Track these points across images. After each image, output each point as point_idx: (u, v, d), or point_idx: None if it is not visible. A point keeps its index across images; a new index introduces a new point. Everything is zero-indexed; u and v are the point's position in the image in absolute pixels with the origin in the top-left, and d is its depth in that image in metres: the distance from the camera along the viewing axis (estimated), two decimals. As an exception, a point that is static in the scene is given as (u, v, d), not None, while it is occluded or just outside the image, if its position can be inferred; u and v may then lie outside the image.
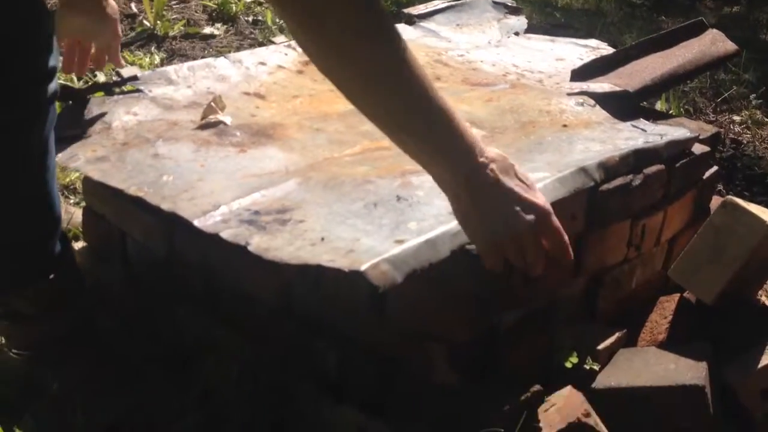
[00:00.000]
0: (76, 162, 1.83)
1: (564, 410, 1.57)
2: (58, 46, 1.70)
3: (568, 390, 1.64)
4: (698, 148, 2.14)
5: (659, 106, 3.77)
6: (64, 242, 1.83)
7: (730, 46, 2.41)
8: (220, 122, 2.02)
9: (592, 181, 1.78)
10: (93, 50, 1.99)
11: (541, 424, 1.59)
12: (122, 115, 2.03)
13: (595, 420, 1.59)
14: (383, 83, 1.22)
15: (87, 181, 2.18)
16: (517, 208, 1.28)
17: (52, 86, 1.63)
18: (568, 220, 1.78)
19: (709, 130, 2.28)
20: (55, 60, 1.62)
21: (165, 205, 1.67)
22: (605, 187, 1.84)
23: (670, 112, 3.73)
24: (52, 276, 1.77)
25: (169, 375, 1.88)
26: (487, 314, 1.61)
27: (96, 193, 2.15)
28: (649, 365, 1.75)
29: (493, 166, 1.27)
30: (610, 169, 1.83)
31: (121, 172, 1.80)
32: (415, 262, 1.43)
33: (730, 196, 1.88)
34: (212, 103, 2.06)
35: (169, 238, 2.00)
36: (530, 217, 1.30)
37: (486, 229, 1.30)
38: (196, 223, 1.60)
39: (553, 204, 1.64)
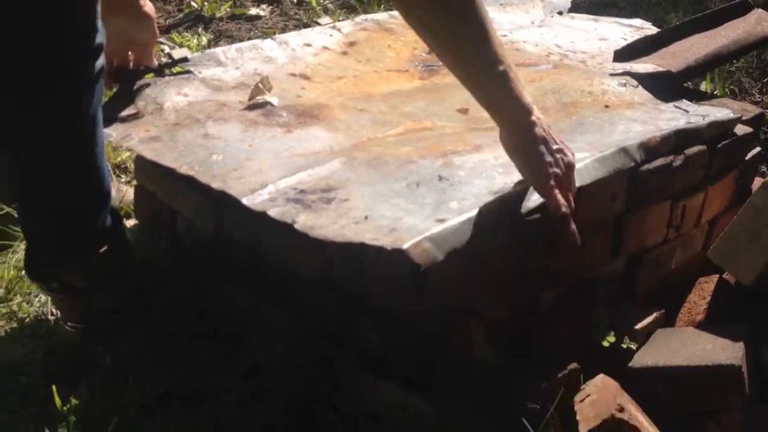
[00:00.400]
0: (130, 141, 1.90)
1: (598, 404, 1.59)
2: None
3: (601, 380, 1.65)
4: (741, 129, 2.14)
5: (704, 86, 3.74)
6: (115, 218, 1.90)
7: (775, 26, 2.40)
8: (268, 103, 2.06)
9: (633, 161, 1.80)
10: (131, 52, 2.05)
11: (577, 417, 1.62)
12: (173, 96, 2.09)
13: (629, 413, 1.60)
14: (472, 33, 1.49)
15: (139, 160, 2.25)
16: (560, 154, 1.56)
17: (99, 62, 1.69)
18: (609, 200, 1.81)
19: (753, 110, 2.28)
20: (102, 38, 1.68)
21: (215, 184, 1.73)
22: (646, 167, 1.86)
23: (715, 92, 3.70)
24: (102, 250, 1.83)
25: (217, 349, 1.94)
26: (527, 292, 1.64)
27: (147, 172, 2.22)
28: (686, 345, 1.77)
29: (543, 123, 1.55)
30: (651, 149, 1.85)
31: (173, 151, 1.85)
32: (456, 241, 1.47)
33: (769, 179, 1.88)
34: (259, 84, 2.11)
35: (218, 216, 2.06)
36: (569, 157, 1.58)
37: (543, 167, 1.53)
38: (245, 201, 1.65)
39: (593, 183, 1.68)
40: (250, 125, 1.97)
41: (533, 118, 1.52)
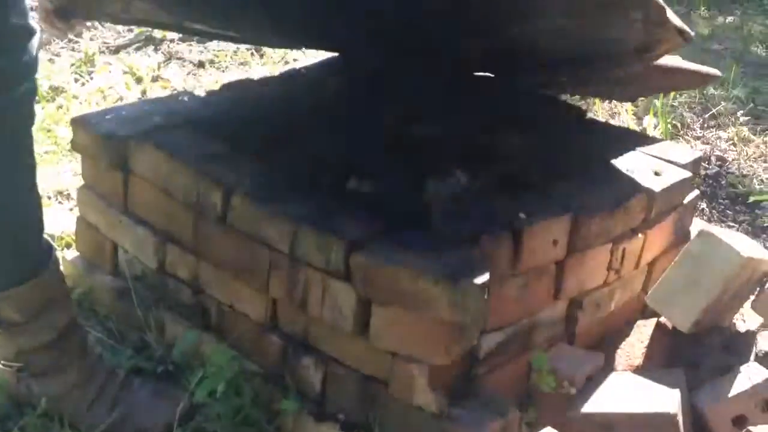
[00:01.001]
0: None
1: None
2: None
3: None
4: (680, 174, 2.19)
5: (648, 120, 3.82)
6: (48, 247, 1.85)
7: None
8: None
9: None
10: None
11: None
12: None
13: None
14: None
15: (82, 190, 2.22)
16: None
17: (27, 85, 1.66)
18: (551, 245, 1.83)
19: (691, 155, 2.32)
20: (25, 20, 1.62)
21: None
22: (587, 212, 1.89)
23: (658, 127, 3.78)
24: (35, 280, 1.78)
25: (156, 387, 1.91)
26: (466, 338, 1.65)
27: (90, 203, 2.19)
28: (624, 391, 1.80)
29: None
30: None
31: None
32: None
33: (706, 227, 1.93)
34: None
35: (161, 252, 2.04)
36: None
37: None
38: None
39: (535, 228, 1.70)
40: None
41: None
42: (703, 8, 6.25)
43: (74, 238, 2.34)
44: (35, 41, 1.66)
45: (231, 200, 1.86)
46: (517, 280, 1.78)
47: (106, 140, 2.06)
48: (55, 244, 2.35)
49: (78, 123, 2.13)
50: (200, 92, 2.38)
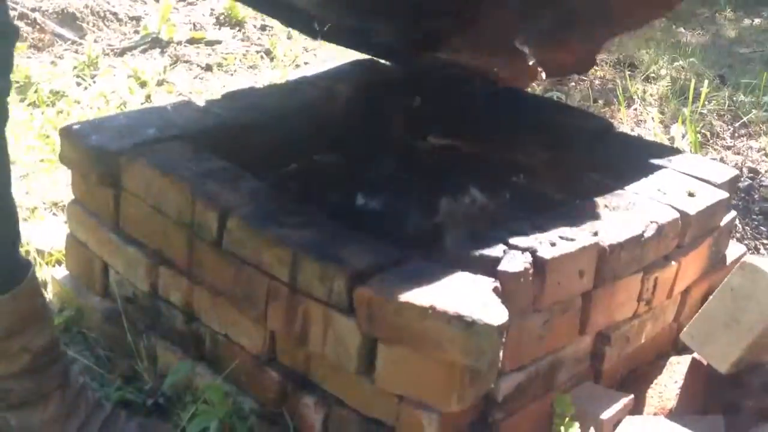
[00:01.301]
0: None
1: None
2: None
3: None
4: (715, 194, 2.02)
5: (676, 128, 3.64)
6: (26, 262, 1.70)
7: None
8: None
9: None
10: None
11: None
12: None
13: None
14: None
15: (71, 205, 2.08)
16: None
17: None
18: (577, 276, 1.67)
19: (728, 173, 2.15)
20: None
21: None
22: (616, 240, 1.72)
23: (686, 136, 3.60)
24: (7, 295, 1.63)
25: (144, 422, 1.76)
26: (481, 384, 1.48)
27: (80, 219, 2.05)
28: (657, 438, 1.63)
29: None
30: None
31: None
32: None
33: (749, 258, 1.76)
34: None
35: (153, 274, 1.89)
36: None
37: None
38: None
39: (560, 259, 1.54)
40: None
41: None
42: (728, 9, 6.05)
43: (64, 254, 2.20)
44: (11, 40, 1.53)
45: (227, 222, 1.71)
46: (539, 316, 1.62)
47: (95, 154, 1.91)
48: (41, 260, 2.23)
49: (66, 134, 1.99)
50: (200, 101, 2.22)
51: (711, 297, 1.75)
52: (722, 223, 2.07)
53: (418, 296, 1.45)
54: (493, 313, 1.39)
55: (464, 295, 1.45)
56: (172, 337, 1.90)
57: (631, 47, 4.77)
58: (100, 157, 1.91)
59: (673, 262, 1.91)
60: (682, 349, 1.98)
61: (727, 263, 2.16)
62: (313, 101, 2.33)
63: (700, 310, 1.77)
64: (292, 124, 2.24)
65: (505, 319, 1.38)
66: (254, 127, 2.16)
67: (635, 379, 1.88)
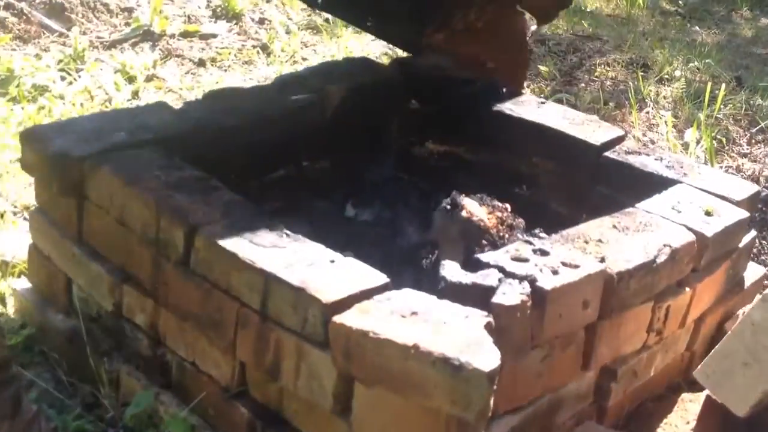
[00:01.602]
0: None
1: None
2: None
3: None
4: (735, 214, 1.85)
5: (690, 134, 3.46)
6: None
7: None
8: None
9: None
10: None
11: None
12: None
13: None
14: None
15: (34, 215, 1.92)
16: None
17: None
18: (580, 308, 1.50)
19: (748, 189, 1.97)
20: None
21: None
22: (625, 267, 1.55)
23: (701, 142, 3.41)
24: None
25: (103, 457, 1.61)
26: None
27: (42, 230, 1.89)
28: (666, 489, 1.47)
29: None
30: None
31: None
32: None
33: (771, 289, 1.58)
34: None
35: (118, 292, 1.73)
36: None
37: None
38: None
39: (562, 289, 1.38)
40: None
41: None
42: (745, 8, 5.85)
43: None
44: None
45: (194, 240, 1.55)
46: (537, 352, 1.45)
47: (57, 160, 1.75)
48: (2, 271, 2.07)
49: (27, 138, 1.83)
50: (178, 103, 2.06)
51: (729, 333, 1.58)
52: (741, 245, 1.90)
53: (401, 332, 1.29)
54: (484, 355, 1.22)
55: (453, 333, 1.28)
56: (136, 362, 1.74)
57: (645, 47, 4.58)
58: (62, 163, 1.75)
59: (687, 289, 1.75)
60: (694, 381, 1.81)
61: (746, 286, 1.99)
62: (302, 103, 2.16)
63: (716, 347, 1.59)
64: (278, 128, 2.08)
65: (497, 363, 1.21)
66: (237, 132, 1.99)
67: (643, 416, 1.71)
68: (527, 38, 2.50)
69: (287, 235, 1.55)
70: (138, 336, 1.72)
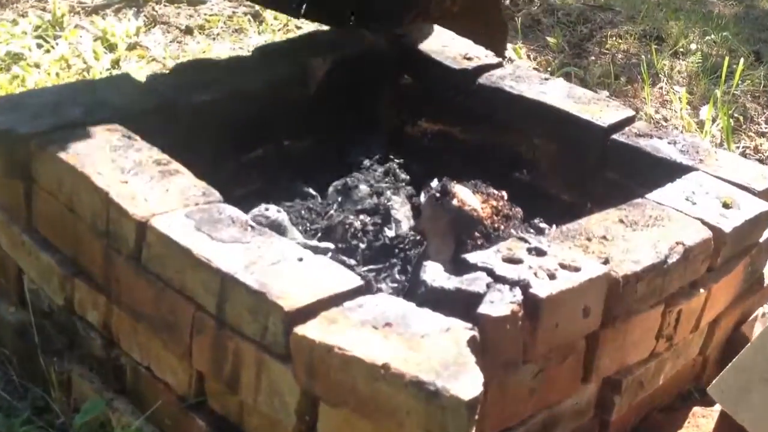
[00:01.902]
0: None
1: None
2: None
3: None
4: (755, 206, 1.66)
5: (705, 111, 3.26)
6: None
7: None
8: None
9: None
10: None
11: None
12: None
13: None
14: None
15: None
16: None
17: None
18: (580, 315, 1.32)
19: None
20: None
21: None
22: (631, 269, 1.37)
23: (717, 120, 3.22)
24: None
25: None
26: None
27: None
28: None
29: None
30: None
31: None
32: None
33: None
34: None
35: (69, 287, 1.56)
36: None
37: None
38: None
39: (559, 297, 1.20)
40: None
41: None
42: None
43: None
44: None
45: (146, 233, 1.37)
46: (530, 367, 1.28)
47: (1, 138, 1.57)
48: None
49: (-28, 112, 1.65)
50: (146, 74, 1.88)
51: (746, 347, 1.40)
52: (762, 239, 1.72)
53: (371, 348, 1.11)
54: (465, 380, 1.05)
55: (430, 350, 1.11)
56: (89, 363, 1.58)
57: (659, 18, 4.36)
58: (7, 141, 1.57)
59: (701, 290, 1.57)
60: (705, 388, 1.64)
61: (765, 284, 1.82)
62: (283, 77, 1.98)
63: (732, 361, 1.42)
64: (257, 104, 1.90)
65: (479, 391, 1.04)
66: (209, 108, 1.82)
67: (649, 430, 1.53)
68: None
69: (252, 227, 1.38)
70: (91, 335, 1.56)
